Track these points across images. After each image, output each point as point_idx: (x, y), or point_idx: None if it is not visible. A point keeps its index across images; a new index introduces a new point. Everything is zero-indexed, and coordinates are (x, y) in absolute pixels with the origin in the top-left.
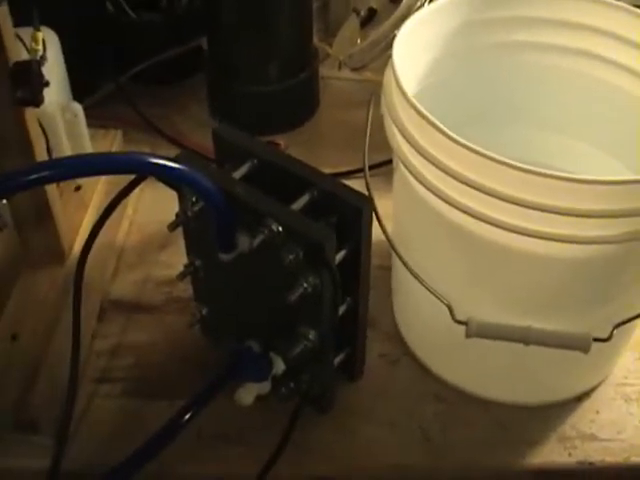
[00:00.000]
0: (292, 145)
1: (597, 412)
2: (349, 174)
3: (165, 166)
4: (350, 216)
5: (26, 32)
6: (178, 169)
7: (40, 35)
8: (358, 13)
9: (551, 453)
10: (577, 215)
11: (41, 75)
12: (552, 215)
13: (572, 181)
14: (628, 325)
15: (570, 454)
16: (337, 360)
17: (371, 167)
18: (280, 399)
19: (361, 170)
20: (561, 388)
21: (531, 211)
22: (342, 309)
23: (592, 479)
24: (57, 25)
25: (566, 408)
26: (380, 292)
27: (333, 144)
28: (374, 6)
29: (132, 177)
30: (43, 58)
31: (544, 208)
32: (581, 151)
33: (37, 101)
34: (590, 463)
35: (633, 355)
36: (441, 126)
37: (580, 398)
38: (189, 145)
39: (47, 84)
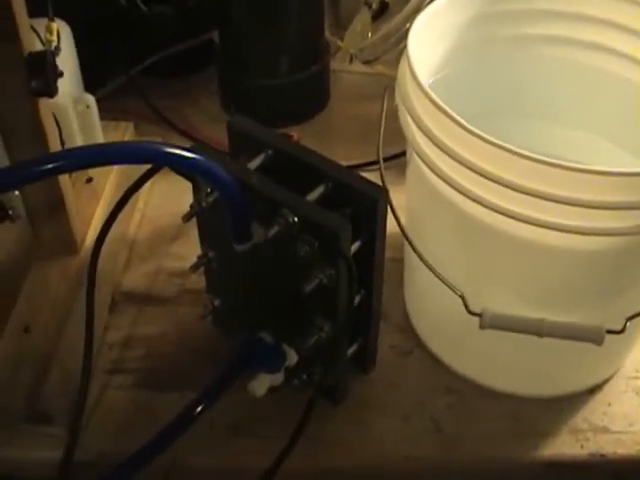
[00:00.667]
0: (304, 138)
1: (609, 405)
2: (361, 166)
3: (181, 156)
4: (365, 207)
5: (40, 23)
6: (194, 159)
7: (55, 26)
8: (370, 6)
9: (563, 445)
10: (590, 207)
11: (55, 66)
12: (565, 206)
13: (586, 172)
14: None
15: (582, 446)
16: (350, 352)
17: (384, 160)
18: (293, 390)
19: (372, 163)
20: (573, 380)
21: (544, 202)
22: (356, 300)
23: (604, 471)
24: (69, 18)
25: (578, 400)
26: (391, 284)
27: (344, 137)
28: None
29: (144, 169)
30: (57, 49)
31: (557, 199)
32: (593, 144)
33: (51, 92)
34: (602, 455)
35: None
36: (456, 117)
37: (592, 391)
38: (201, 138)
39: (61, 75)
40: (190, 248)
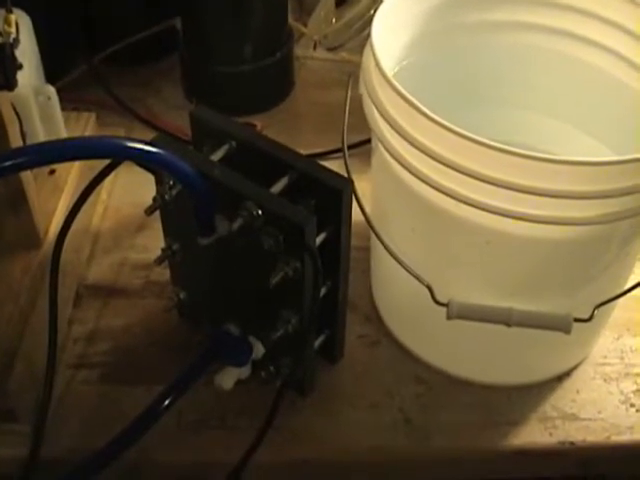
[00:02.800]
0: (268, 126)
1: (577, 392)
2: (326, 154)
3: (142, 150)
4: (330, 198)
5: None
6: (155, 153)
7: (13, 17)
8: None
9: (532, 433)
10: (557, 196)
11: (14, 58)
12: (532, 196)
13: (551, 162)
14: (608, 305)
15: (551, 434)
16: (317, 343)
17: (349, 147)
18: (261, 383)
19: (338, 150)
20: (542, 368)
21: (510, 192)
22: (322, 292)
23: (573, 459)
24: (29, 7)
25: (547, 388)
26: (359, 273)
27: (309, 124)
28: None
29: (107, 161)
30: (16, 41)
31: (523, 189)
32: (567, 134)
33: (11, 85)
34: (571, 443)
35: (612, 335)
36: (421, 106)
37: (560, 378)
38: (164, 127)
39: (20, 67)
40: (155, 239)
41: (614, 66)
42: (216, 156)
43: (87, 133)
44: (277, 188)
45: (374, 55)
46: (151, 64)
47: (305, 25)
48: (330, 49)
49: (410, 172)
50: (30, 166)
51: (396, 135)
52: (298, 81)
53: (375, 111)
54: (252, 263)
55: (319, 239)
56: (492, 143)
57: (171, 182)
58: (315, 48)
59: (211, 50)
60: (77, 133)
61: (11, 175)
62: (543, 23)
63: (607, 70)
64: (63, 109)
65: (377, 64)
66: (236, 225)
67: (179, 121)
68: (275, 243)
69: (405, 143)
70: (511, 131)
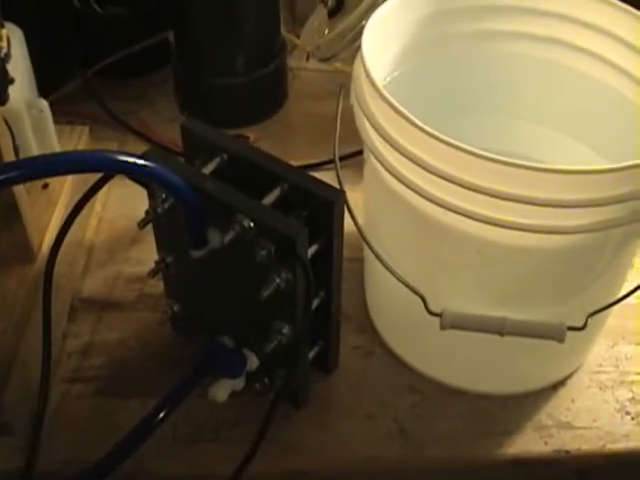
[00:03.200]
0: (261, 138)
1: (572, 400)
2: (319, 165)
3: (133, 164)
4: (322, 210)
5: None
6: (146, 166)
7: (4, 32)
8: (325, 3)
9: (527, 442)
10: (548, 205)
11: (6, 72)
12: (523, 205)
13: (541, 170)
14: (602, 313)
15: (546, 443)
16: (311, 354)
17: (341, 158)
18: (255, 395)
19: (331, 162)
20: (536, 377)
21: (502, 202)
22: (315, 303)
23: (569, 467)
24: (22, 21)
25: (541, 397)
26: (352, 284)
27: (303, 136)
28: None
29: (100, 175)
30: (8, 55)
31: (515, 198)
32: (559, 142)
33: (2, 99)
34: (566, 451)
35: (607, 343)
36: (412, 117)
37: (555, 387)
38: (158, 140)
39: (12, 81)
40: (149, 252)
41: (605, 74)
42: (208, 169)
43: (80, 147)
44: (269, 200)
45: (364, 66)
46: (144, 77)
47: (298, 36)
48: (323, 60)
49: (401, 182)
50: (21, 180)
51: (387, 146)
52: (291, 92)
53: (366, 122)
54: (244, 275)
55: (311, 250)
56: (482, 152)
57: (163, 195)
58: (308, 59)
59: (204, 62)
60: (70, 147)
61: (3, 189)
62: (534, 32)
63: (598, 78)
64: (57, 123)
65: (368, 75)
66: (228, 237)
67: (173, 134)
68: (267, 255)
69: (396, 153)
70: (503, 140)
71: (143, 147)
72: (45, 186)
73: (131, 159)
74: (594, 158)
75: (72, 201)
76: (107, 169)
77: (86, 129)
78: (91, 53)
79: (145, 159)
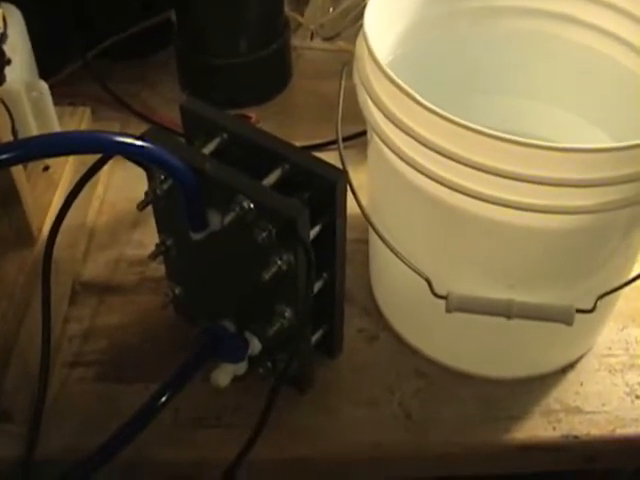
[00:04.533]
0: (264, 118)
1: (581, 384)
2: (323, 146)
3: (129, 144)
4: (324, 190)
5: None
6: (143, 147)
7: (0, 12)
8: None
9: (535, 427)
10: (556, 185)
11: (2, 53)
12: (530, 185)
13: (550, 149)
14: (611, 296)
15: (554, 428)
16: (315, 338)
17: (346, 139)
18: (258, 379)
19: (335, 142)
20: (544, 361)
21: (509, 181)
22: (318, 285)
23: (577, 452)
24: (22, 2)
25: (550, 381)
26: (357, 266)
27: (307, 116)
28: None
29: (100, 156)
30: (4, 36)
31: (522, 178)
32: (568, 121)
33: None
34: (575, 436)
35: (617, 326)
36: (415, 95)
37: (564, 370)
38: (160, 121)
39: (9, 62)
40: (151, 235)
41: (618, 52)
42: (208, 149)
43: (82, 128)
44: (270, 181)
45: (367, 43)
46: (146, 58)
47: (302, 15)
48: (327, 39)
49: (406, 162)
50: (17, 161)
51: (390, 124)
52: (295, 72)
53: (369, 101)
54: (246, 257)
55: (313, 232)
56: (489, 131)
57: (162, 177)
58: (312, 38)
59: (206, 42)
60: (72, 128)
61: (1, 171)
62: (545, 8)
63: (611, 56)
64: (58, 104)
65: (370, 53)
66: (228, 219)
67: (175, 114)
68: (268, 237)
69: (400, 132)
70: (510, 119)
71: (145, 128)
72: (46, 169)
73: (128, 139)
74: (605, 139)
75: (73, 183)
76: (104, 150)
77: (88, 110)
78: (93, 34)
79: (143, 139)
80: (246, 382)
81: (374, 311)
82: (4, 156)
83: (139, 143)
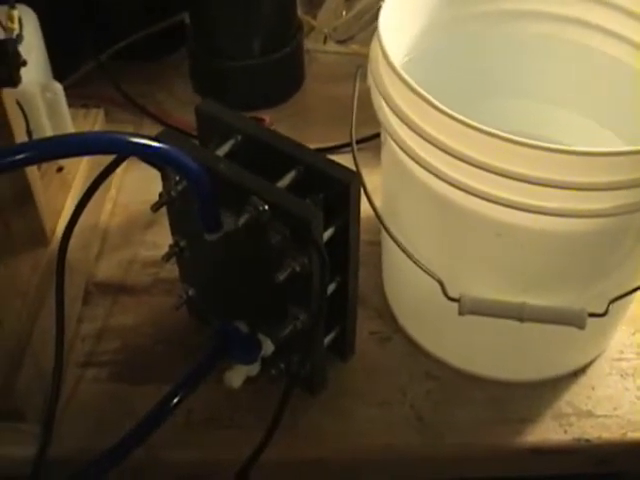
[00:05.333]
0: (278, 120)
1: (593, 388)
2: (337, 149)
3: (145, 145)
4: (338, 192)
5: (1, 11)
6: (158, 148)
7: (15, 13)
8: None
9: (547, 430)
10: (570, 188)
11: (18, 54)
12: (544, 188)
13: (562, 153)
14: (624, 300)
15: (566, 431)
16: (327, 340)
17: (359, 141)
18: (270, 381)
19: (348, 145)
20: (556, 364)
21: (523, 184)
22: (332, 287)
23: (588, 456)
24: (36, 3)
25: (561, 384)
26: (370, 268)
27: (320, 118)
28: None
29: (114, 157)
30: (19, 37)
31: (536, 181)
32: (581, 125)
33: (14, 81)
34: (586, 440)
35: (629, 330)
36: (430, 98)
37: (576, 374)
38: (173, 123)
39: (24, 63)
40: (164, 236)
41: (630, 56)
42: (222, 151)
43: (95, 129)
44: (284, 183)
45: (381, 46)
46: (160, 59)
47: (315, 18)
48: (340, 42)
49: (419, 165)
50: (32, 162)
51: (405, 127)
52: (308, 75)
53: (383, 103)
54: (259, 259)
55: (327, 234)
56: (502, 134)
57: (177, 178)
58: (325, 41)
59: (220, 44)
60: (85, 129)
61: (15, 172)
62: (557, 12)
63: (623, 60)
64: (72, 105)
65: (385, 55)
66: (242, 220)
67: (189, 116)
68: (282, 238)
69: (414, 135)
70: (525, 123)
71: (159, 130)
72: (60, 169)
73: (143, 140)
74: (618, 142)
75: (87, 184)
76: (119, 150)
77: (101, 112)
78: (106, 35)
79: (158, 141)
80: (259, 383)
81: (386, 313)
82: (19, 156)
83: (155, 144)
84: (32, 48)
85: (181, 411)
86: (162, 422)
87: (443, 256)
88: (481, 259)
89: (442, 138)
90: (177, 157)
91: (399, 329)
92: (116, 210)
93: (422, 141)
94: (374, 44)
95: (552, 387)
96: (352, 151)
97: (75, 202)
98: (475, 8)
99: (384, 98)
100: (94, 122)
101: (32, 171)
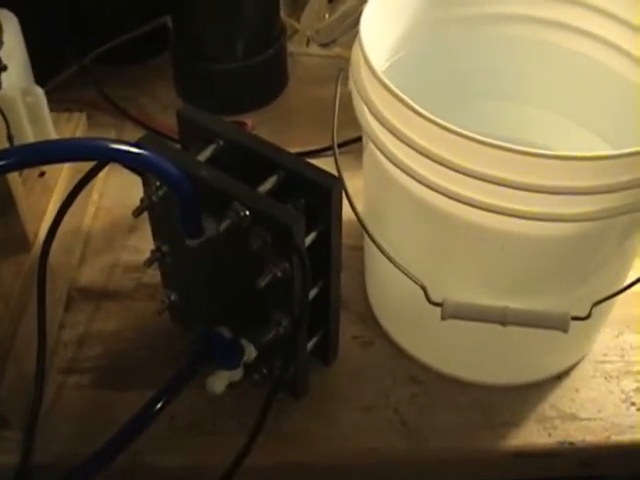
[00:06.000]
0: (260, 124)
1: (577, 391)
2: (319, 152)
3: (126, 152)
4: (319, 197)
5: None
6: (139, 154)
7: None
8: None
9: (531, 434)
10: (552, 192)
11: None
12: (525, 193)
13: (544, 157)
14: (607, 303)
15: (550, 434)
16: (310, 344)
17: (342, 144)
18: (253, 386)
19: (331, 148)
20: (540, 367)
21: (504, 189)
22: (314, 292)
23: (573, 459)
24: (17, 7)
25: (545, 387)
26: (352, 273)
27: (303, 122)
28: None
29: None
30: (0, 42)
31: (516, 185)
32: (565, 128)
33: None
34: (570, 443)
35: (612, 332)
36: (411, 103)
37: (559, 377)
38: (156, 127)
39: (5, 68)
40: (147, 241)
41: (612, 59)
42: (203, 156)
43: (78, 134)
44: (265, 188)
45: (362, 50)
46: (143, 63)
47: (298, 20)
48: (323, 45)
49: (401, 169)
50: (11, 169)
51: (386, 132)
52: (291, 78)
53: (365, 108)
54: (241, 264)
55: (309, 239)
56: (484, 139)
57: (157, 183)
58: (308, 44)
59: (202, 48)
60: (68, 134)
61: None
62: (538, 15)
63: (605, 63)
64: (55, 110)
65: (366, 59)
66: (223, 226)
67: (171, 120)
68: (263, 244)
69: (395, 140)
70: (506, 126)
71: (141, 134)
72: (42, 174)
73: (124, 147)
74: (601, 145)
75: (69, 189)
76: (99, 157)
77: (84, 116)
78: (89, 39)
79: (138, 146)
80: (242, 388)
81: (369, 317)
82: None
83: (135, 150)
84: (13, 53)
85: (164, 416)
86: (145, 428)
87: (426, 260)
88: (463, 263)
89: (423, 142)
90: (158, 164)
91: (382, 333)
92: (99, 214)
93: (403, 145)
94: (355, 48)
95: (536, 390)
96: (334, 155)
97: (57, 207)
98: (457, 11)
99: (365, 102)
100: (76, 126)
101: (14, 176)
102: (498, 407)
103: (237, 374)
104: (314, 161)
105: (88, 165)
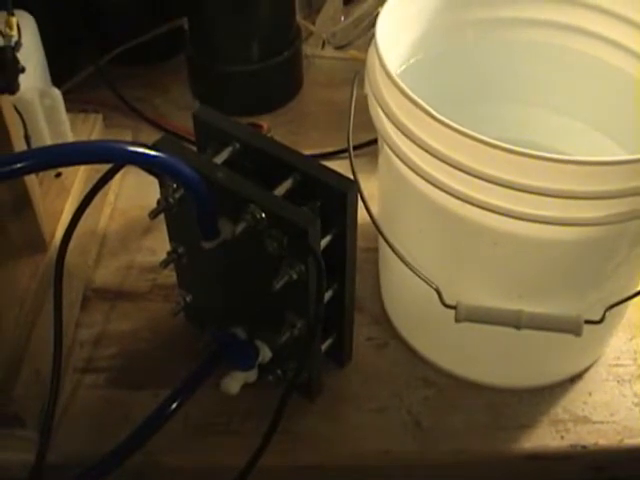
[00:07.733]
0: (276, 126)
1: (589, 394)
2: (335, 154)
3: (143, 154)
4: (335, 200)
5: (0, 18)
6: (155, 156)
7: (14, 20)
8: None
9: (543, 437)
10: (566, 197)
11: (16, 61)
12: (540, 197)
13: (560, 162)
14: (620, 306)
15: (562, 437)
16: (325, 346)
17: (357, 147)
18: (268, 387)
19: (346, 150)
20: (553, 370)
21: (519, 193)
22: (329, 294)
23: (585, 462)
24: (34, 9)
25: (558, 390)
26: (367, 275)
27: (317, 124)
28: None
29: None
30: (18, 44)
31: (532, 190)
32: (577, 131)
33: (12, 88)
34: (583, 446)
35: (625, 336)
36: (425, 106)
37: (572, 380)
38: (172, 128)
39: (23, 70)
40: (162, 242)
41: (625, 62)
42: (220, 158)
43: (94, 135)
44: (281, 190)
45: (378, 53)
46: (159, 65)
47: (313, 23)
48: (338, 47)
49: (416, 173)
50: (29, 171)
51: (401, 135)
52: (306, 80)
53: (380, 111)
54: (257, 266)
55: (324, 241)
56: (498, 143)
57: (174, 185)
58: (323, 47)
59: (218, 50)
60: (84, 135)
61: (13, 180)
62: (553, 19)
63: (618, 66)
64: (71, 110)
65: (381, 63)
66: (239, 228)
67: (187, 122)
68: (279, 246)
69: (410, 143)
70: (521, 130)
71: (157, 135)
72: (58, 175)
73: (140, 149)
74: (614, 148)
75: (86, 189)
76: (116, 160)
77: (100, 117)
78: (105, 40)
79: (155, 149)
80: (256, 389)
81: (383, 320)
82: (17, 166)
83: (151, 153)
84: (31, 54)
85: (179, 416)
86: (160, 428)
87: (440, 263)
88: (478, 267)
89: (438, 146)
90: (174, 166)
91: (396, 335)
92: (114, 215)
93: (418, 149)
94: (371, 51)
95: (549, 393)
96: (349, 158)
97: (73, 208)
98: (472, 15)
99: (380, 105)
100: (92, 127)
101: (31, 177)
102: (511, 410)
103: (252, 375)
104: (329, 163)
105: (104, 166)
